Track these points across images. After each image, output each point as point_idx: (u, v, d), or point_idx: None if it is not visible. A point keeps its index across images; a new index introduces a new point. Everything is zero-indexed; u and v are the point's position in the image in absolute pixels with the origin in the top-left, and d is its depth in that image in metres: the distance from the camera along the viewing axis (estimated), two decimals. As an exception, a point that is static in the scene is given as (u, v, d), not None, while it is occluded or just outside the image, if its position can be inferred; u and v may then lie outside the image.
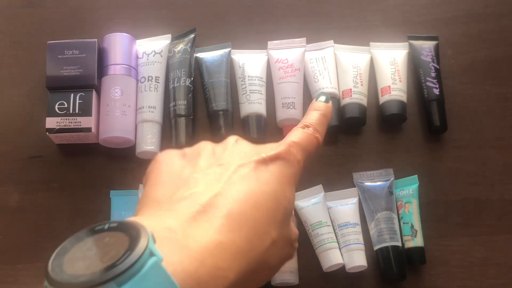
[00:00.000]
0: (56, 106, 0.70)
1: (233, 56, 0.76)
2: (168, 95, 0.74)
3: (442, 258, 0.69)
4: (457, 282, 0.69)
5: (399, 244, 0.68)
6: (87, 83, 0.71)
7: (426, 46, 0.76)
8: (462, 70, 0.77)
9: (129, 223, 0.32)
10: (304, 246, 0.69)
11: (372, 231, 0.69)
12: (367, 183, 0.71)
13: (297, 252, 0.68)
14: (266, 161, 0.42)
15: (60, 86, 0.71)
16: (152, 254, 0.30)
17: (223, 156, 0.43)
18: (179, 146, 0.63)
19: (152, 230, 0.31)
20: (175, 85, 0.73)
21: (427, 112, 0.74)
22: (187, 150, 0.46)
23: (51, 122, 0.70)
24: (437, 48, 0.76)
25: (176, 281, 0.30)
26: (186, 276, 0.32)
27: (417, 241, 0.68)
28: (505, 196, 0.72)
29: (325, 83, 0.74)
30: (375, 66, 0.76)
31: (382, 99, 0.74)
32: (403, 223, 0.69)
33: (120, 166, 0.73)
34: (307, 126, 0.48)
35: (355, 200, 0.71)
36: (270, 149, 0.44)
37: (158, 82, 0.73)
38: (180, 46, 0.75)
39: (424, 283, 0.69)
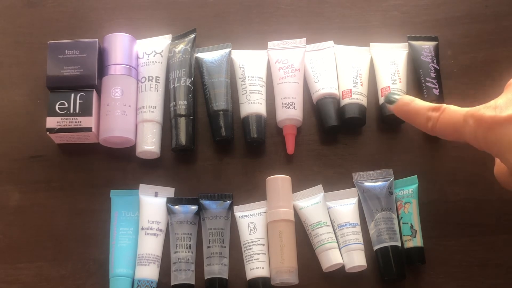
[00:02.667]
0: (57, 106, 0.70)
1: (233, 56, 0.76)
2: (168, 95, 0.74)
3: (442, 258, 0.69)
4: (457, 282, 0.69)
5: (398, 244, 0.68)
6: (88, 83, 0.71)
7: (426, 47, 0.76)
8: (462, 70, 0.77)
9: None
10: (304, 246, 0.69)
11: (372, 231, 0.69)
12: (367, 183, 0.71)
13: (297, 252, 0.68)
14: None
15: (61, 86, 0.71)
16: None
17: None
18: None
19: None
20: (176, 85, 0.73)
21: (427, 112, 0.73)
22: None
23: (51, 122, 0.70)
24: (437, 49, 0.76)
25: None
26: None
27: (417, 241, 0.68)
28: (505, 196, 0.71)
29: (325, 83, 0.74)
30: (375, 67, 0.76)
31: (382, 99, 0.74)
32: (403, 223, 0.69)
33: (120, 166, 0.73)
34: None
35: (355, 200, 0.71)
36: None
37: (159, 82, 0.74)
38: (181, 46, 0.75)
39: (424, 283, 0.69)
